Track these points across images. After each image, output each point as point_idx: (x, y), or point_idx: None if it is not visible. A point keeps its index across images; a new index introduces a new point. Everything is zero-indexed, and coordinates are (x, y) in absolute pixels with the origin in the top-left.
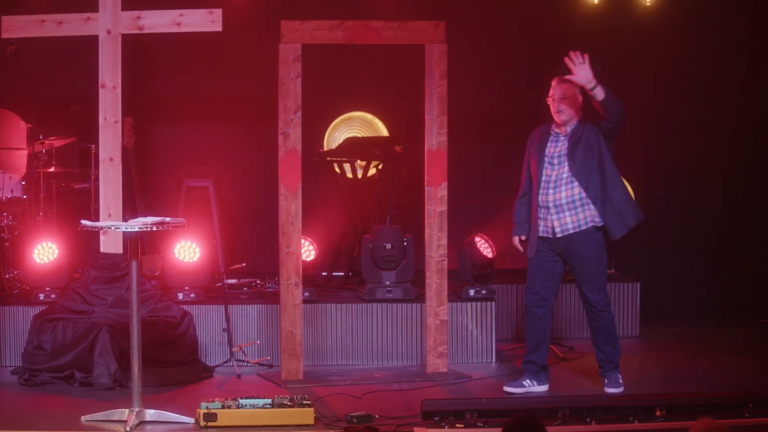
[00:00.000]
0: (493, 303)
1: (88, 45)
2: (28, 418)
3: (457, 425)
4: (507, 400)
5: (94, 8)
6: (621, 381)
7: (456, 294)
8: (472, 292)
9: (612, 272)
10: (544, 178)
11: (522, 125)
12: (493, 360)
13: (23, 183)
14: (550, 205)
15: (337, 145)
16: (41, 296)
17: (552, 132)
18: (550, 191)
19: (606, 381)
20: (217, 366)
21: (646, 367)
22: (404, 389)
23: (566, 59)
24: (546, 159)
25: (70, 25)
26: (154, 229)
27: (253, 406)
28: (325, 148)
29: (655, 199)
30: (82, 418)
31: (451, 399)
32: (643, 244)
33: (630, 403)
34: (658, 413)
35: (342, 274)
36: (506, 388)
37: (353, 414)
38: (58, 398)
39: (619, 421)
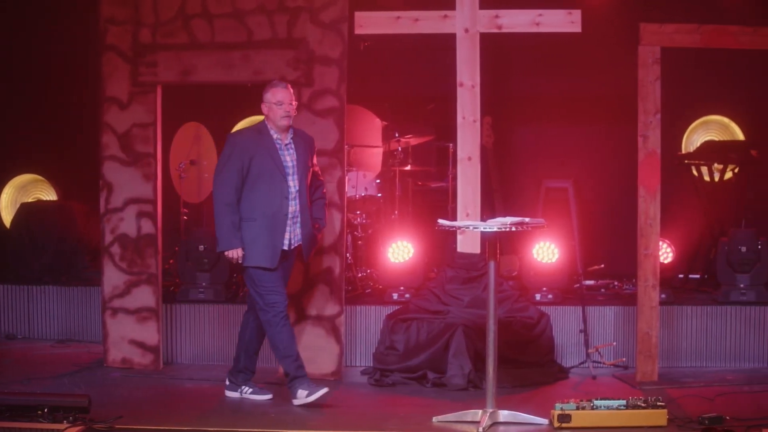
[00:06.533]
0: None
1: (444, 43)
2: (377, 419)
3: None
4: None
5: (451, 6)
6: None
7: None
8: None
9: None
10: (289, 188)
11: None
12: None
13: (378, 181)
14: (291, 216)
15: (694, 148)
16: (395, 296)
17: (276, 140)
18: (292, 202)
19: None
20: (572, 367)
21: None
22: (756, 391)
23: None
24: (287, 169)
25: (426, 22)
26: (513, 229)
27: (608, 408)
28: (683, 151)
29: None
30: (434, 419)
31: None
32: None
33: None
34: None
35: (698, 276)
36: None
37: (705, 416)
38: (409, 398)
39: None
